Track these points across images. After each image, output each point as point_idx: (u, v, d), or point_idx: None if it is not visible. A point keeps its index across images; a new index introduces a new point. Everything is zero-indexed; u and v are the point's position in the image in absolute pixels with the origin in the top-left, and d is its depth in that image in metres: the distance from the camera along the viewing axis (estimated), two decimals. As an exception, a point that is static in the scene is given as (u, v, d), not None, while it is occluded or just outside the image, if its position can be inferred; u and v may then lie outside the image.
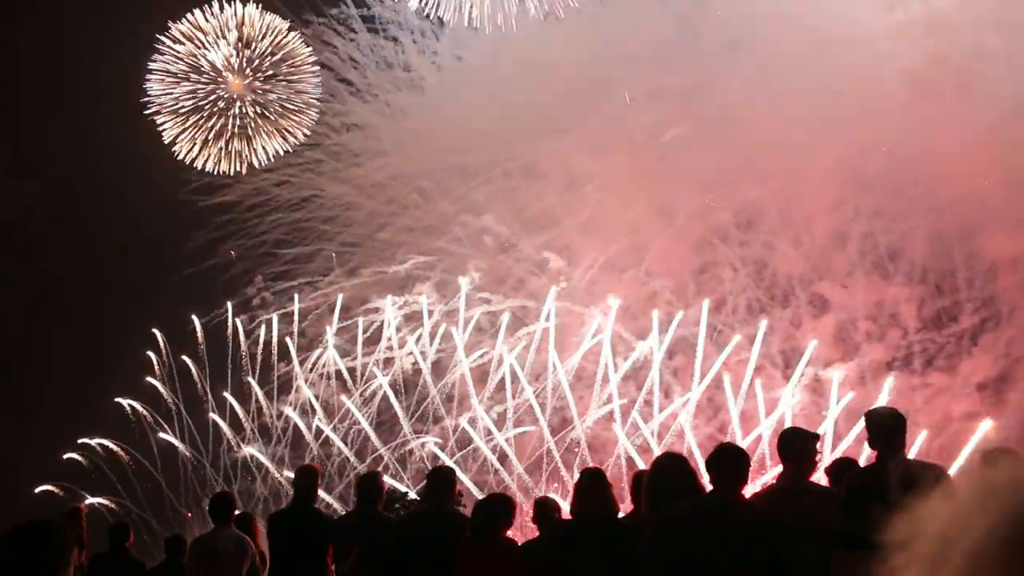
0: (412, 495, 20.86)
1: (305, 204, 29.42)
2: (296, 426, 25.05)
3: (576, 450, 23.78)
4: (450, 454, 24.40)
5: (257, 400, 25.32)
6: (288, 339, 26.53)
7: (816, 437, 6.28)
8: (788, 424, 20.44)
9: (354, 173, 28.68)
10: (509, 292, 26.18)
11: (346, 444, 24.84)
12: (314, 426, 25.17)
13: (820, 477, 6.86)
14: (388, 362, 25.95)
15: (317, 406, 24.71)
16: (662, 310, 24.37)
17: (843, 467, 6.90)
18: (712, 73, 23.16)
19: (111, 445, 24.18)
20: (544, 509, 7.21)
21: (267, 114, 27.58)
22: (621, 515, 7.17)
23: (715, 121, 23.05)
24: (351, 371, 25.78)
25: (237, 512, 8.27)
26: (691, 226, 23.81)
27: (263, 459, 24.69)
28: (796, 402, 21.39)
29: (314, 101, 27.70)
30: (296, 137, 27.76)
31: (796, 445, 6.26)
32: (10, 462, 21.38)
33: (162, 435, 24.59)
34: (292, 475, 24.58)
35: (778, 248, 22.90)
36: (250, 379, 25.03)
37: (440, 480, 7.62)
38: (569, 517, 7.04)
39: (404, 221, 27.86)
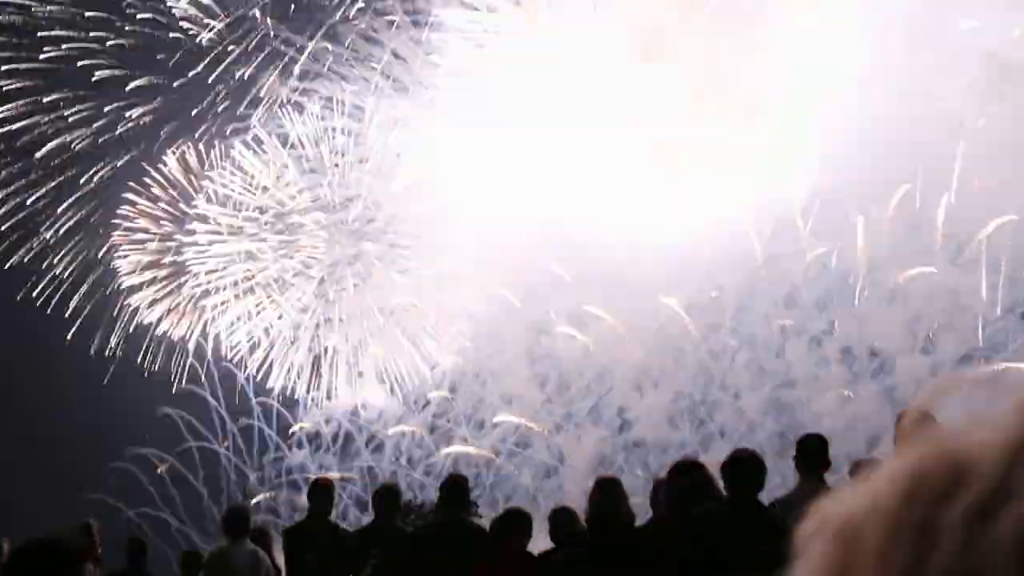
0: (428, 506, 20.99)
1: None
2: (346, 435, 25.30)
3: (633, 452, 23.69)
4: (507, 457, 24.49)
5: (306, 407, 25.60)
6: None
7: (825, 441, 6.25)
8: (858, 423, 20.20)
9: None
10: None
11: (398, 451, 25.04)
12: (363, 431, 25.40)
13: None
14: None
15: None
16: (728, 303, 24.14)
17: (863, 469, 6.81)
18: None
19: (152, 454, 24.69)
20: (560, 520, 7.21)
21: None
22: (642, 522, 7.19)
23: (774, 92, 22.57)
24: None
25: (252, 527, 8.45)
26: (752, 212, 23.44)
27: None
28: (864, 399, 21.09)
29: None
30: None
31: (810, 451, 6.24)
32: (55, 473, 22.01)
33: (205, 444, 25.04)
34: (339, 483, 24.65)
35: (847, 236, 22.46)
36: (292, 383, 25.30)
37: (455, 490, 7.68)
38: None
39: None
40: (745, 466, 6.10)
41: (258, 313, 24.69)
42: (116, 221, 24.68)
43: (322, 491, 8.36)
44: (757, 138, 22.60)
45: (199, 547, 17.93)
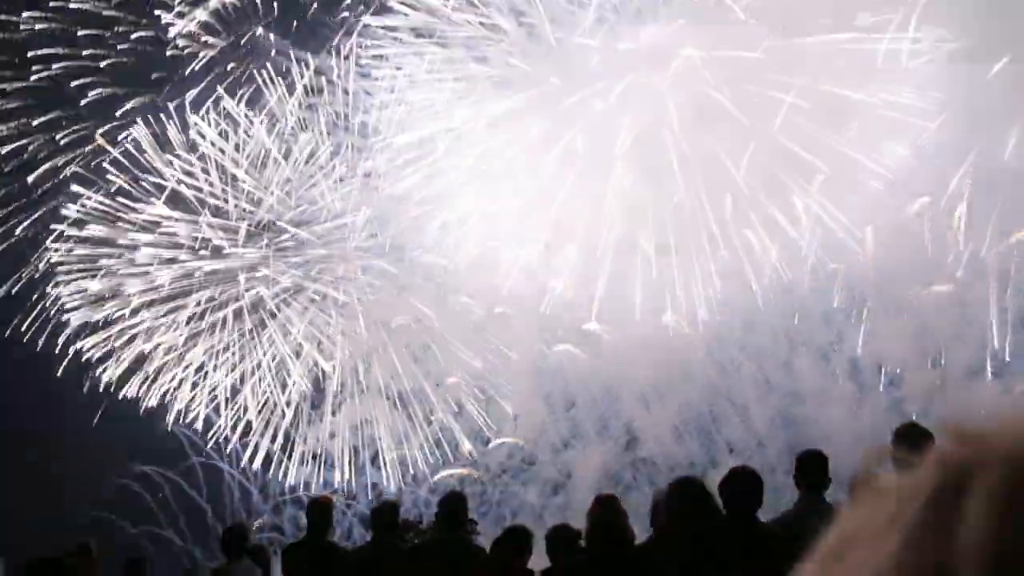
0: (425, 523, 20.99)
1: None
2: (352, 452, 25.31)
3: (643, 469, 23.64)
4: (513, 474, 24.46)
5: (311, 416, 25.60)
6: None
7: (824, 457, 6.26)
8: (866, 437, 20.16)
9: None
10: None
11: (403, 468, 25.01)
12: (364, 444, 25.38)
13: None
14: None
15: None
16: (735, 317, 24.10)
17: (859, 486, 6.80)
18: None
19: (156, 471, 24.65)
20: (559, 537, 7.20)
21: None
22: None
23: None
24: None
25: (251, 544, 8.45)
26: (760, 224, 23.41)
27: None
28: (873, 412, 21.07)
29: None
30: None
31: (809, 467, 6.24)
32: (59, 489, 22.02)
33: (209, 461, 25.02)
34: (341, 503, 24.57)
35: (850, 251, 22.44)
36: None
37: (453, 507, 7.68)
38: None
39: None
40: (742, 483, 6.11)
41: (259, 334, 24.61)
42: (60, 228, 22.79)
43: (320, 509, 8.33)
44: (764, 152, 22.62)
45: (202, 565, 17.94)
